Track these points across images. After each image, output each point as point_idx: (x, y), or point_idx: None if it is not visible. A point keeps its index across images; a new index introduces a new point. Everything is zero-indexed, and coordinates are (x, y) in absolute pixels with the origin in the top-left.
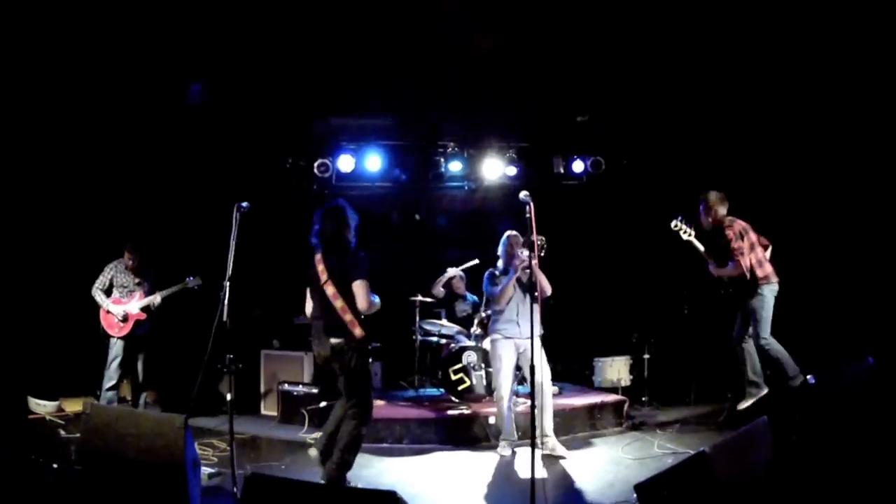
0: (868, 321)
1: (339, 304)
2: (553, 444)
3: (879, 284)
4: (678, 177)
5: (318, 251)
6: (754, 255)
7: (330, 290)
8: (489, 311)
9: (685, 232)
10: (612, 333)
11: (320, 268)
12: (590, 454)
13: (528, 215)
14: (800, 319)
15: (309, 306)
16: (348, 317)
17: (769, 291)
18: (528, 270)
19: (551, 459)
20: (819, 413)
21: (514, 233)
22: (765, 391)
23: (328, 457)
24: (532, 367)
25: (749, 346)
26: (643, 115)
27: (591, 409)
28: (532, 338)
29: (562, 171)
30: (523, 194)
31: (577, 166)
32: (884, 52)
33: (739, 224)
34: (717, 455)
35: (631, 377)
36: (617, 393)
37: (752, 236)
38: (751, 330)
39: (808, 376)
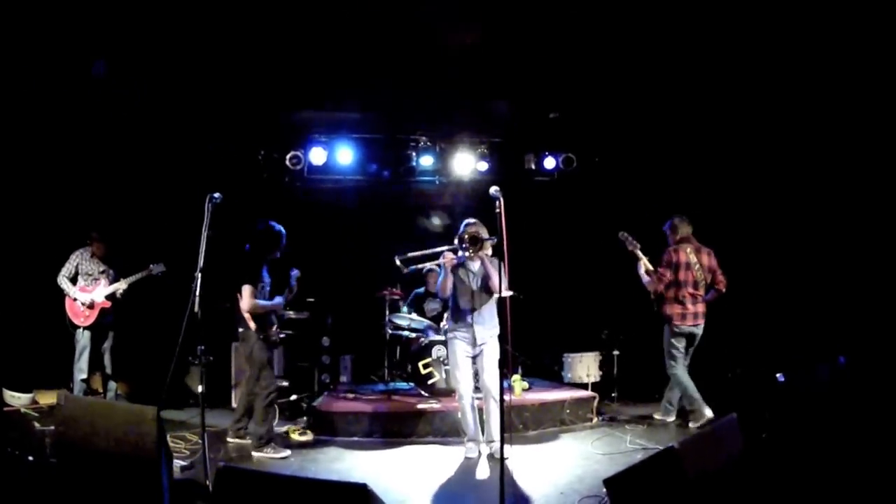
0: (841, 321)
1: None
2: (496, 447)
3: (853, 285)
4: (649, 174)
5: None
6: (678, 290)
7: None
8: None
9: (630, 243)
10: (581, 329)
11: None
12: (559, 449)
13: (497, 210)
14: (773, 318)
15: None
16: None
17: (668, 331)
18: (477, 269)
19: (520, 454)
20: (789, 411)
21: (474, 220)
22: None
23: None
24: (504, 349)
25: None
26: (615, 113)
27: (561, 404)
28: (501, 338)
29: (533, 167)
30: (493, 189)
31: (549, 163)
32: (854, 54)
33: (682, 256)
34: (685, 450)
35: (601, 373)
36: (587, 389)
37: (691, 274)
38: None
39: (778, 374)
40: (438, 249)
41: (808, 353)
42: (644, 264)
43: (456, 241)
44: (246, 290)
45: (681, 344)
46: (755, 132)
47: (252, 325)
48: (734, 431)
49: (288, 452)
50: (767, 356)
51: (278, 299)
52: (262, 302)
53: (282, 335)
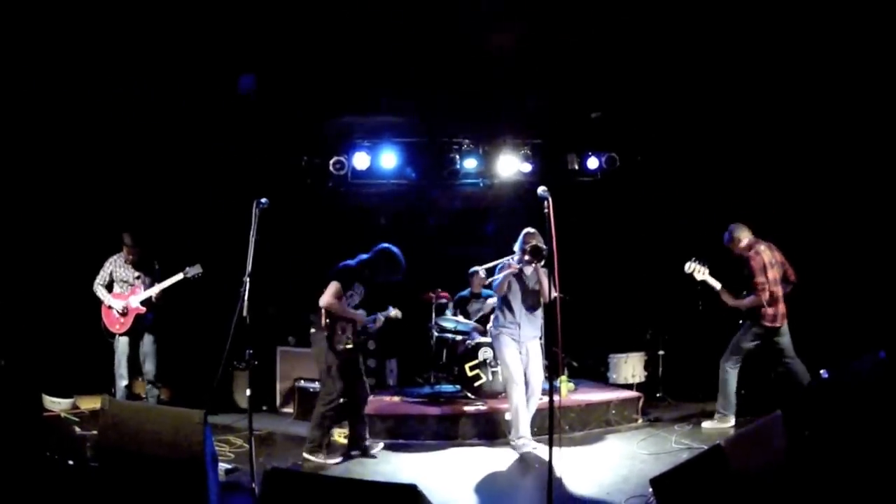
0: (881, 314)
1: None
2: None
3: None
4: (692, 173)
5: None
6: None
7: None
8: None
9: (699, 272)
10: (626, 330)
11: None
12: (605, 449)
13: (545, 210)
14: (813, 313)
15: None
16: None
17: (748, 327)
18: (530, 273)
19: (566, 455)
20: (832, 407)
21: (533, 231)
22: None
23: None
24: (552, 351)
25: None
26: (657, 112)
27: (607, 405)
28: (543, 338)
29: (576, 167)
30: (541, 189)
31: (592, 163)
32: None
33: (765, 257)
34: (732, 448)
35: (646, 373)
36: (632, 389)
37: (775, 273)
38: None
39: (822, 371)
40: (503, 261)
41: (849, 348)
42: (722, 291)
43: (518, 253)
44: (333, 286)
45: (753, 343)
46: (789, 131)
47: (323, 321)
48: (779, 429)
49: (339, 459)
50: (812, 352)
51: (361, 312)
52: (343, 305)
53: (349, 345)
